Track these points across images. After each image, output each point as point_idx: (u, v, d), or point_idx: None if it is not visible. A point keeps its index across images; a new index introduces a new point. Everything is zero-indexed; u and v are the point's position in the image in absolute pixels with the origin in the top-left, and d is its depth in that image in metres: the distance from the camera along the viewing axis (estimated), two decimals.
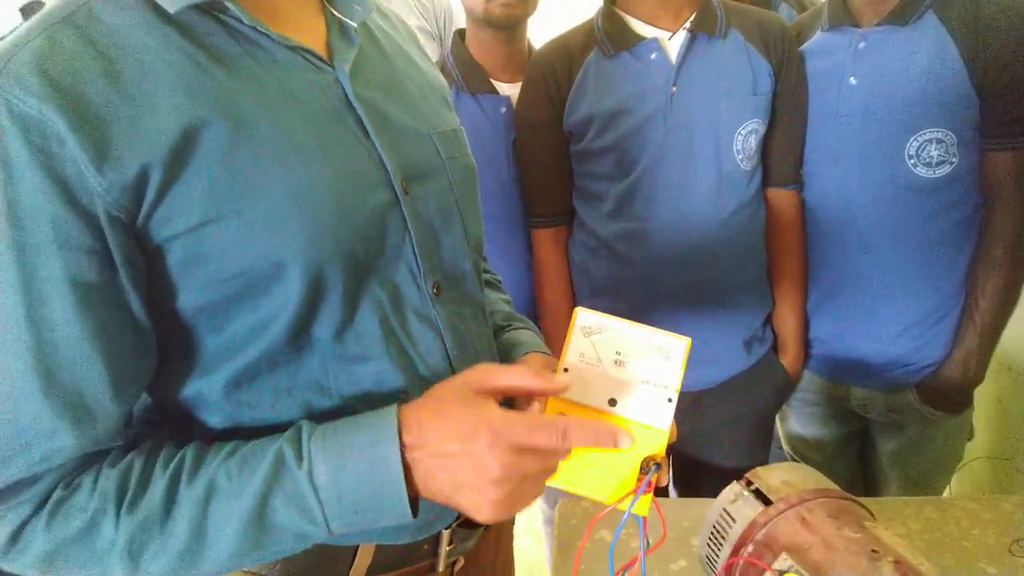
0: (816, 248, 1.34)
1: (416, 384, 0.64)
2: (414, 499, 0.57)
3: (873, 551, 0.77)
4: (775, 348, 1.38)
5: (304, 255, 0.57)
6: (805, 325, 1.39)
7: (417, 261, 0.66)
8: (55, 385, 0.52)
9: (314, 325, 0.60)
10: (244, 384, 0.60)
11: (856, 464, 1.49)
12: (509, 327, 0.83)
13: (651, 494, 0.64)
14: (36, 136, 0.49)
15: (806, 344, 1.40)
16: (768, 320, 1.38)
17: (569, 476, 0.63)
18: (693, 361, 1.33)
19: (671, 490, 1.52)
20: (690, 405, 1.32)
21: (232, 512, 0.54)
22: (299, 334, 0.60)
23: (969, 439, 1.39)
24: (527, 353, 0.76)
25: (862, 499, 1.00)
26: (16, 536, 0.53)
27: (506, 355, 0.79)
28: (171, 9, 0.55)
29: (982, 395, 1.47)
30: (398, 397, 0.62)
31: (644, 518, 0.66)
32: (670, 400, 0.64)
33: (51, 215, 0.50)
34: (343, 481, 0.54)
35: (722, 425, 1.34)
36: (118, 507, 0.53)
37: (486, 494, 0.54)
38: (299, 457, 0.55)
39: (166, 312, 0.57)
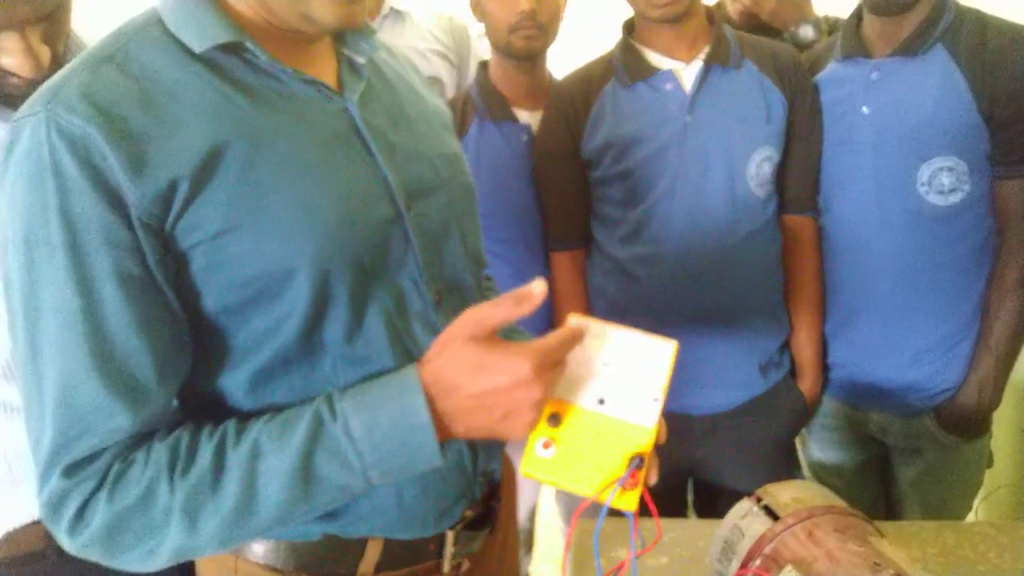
0: (832, 274, 1.36)
1: None
2: (441, 444, 0.61)
3: (876, 564, 0.78)
4: (793, 373, 1.40)
5: (312, 262, 0.63)
6: (823, 350, 1.40)
7: (420, 271, 0.71)
8: (110, 370, 0.58)
9: (324, 328, 0.66)
10: (262, 383, 0.66)
11: (878, 490, 1.48)
12: (508, 339, 0.87)
13: (638, 490, 0.66)
14: (82, 151, 0.56)
15: (824, 369, 1.41)
16: (785, 345, 1.39)
17: (557, 472, 0.65)
18: (708, 385, 1.36)
19: (691, 512, 1.53)
20: (707, 428, 1.34)
21: (278, 469, 0.59)
22: (310, 336, 0.65)
23: (989, 466, 1.38)
24: None
25: (880, 522, 1.02)
26: (82, 511, 0.59)
27: None
28: (197, 49, 0.62)
29: (1003, 423, 1.47)
30: None
31: (635, 515, 0.68)
32: (656, 400, 0.66)
33: (99, 218, 0.57)
34: (376, 431, 0.59)
35: (739, 449, 1.35)
36: (171, 474, 0.59)
37: (529, 415, 0.60)
38: (333, 414, 0.60)
39: (191, 314, 0.63)
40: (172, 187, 0.59)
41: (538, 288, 0.60)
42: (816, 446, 1.50)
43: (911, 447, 1.36)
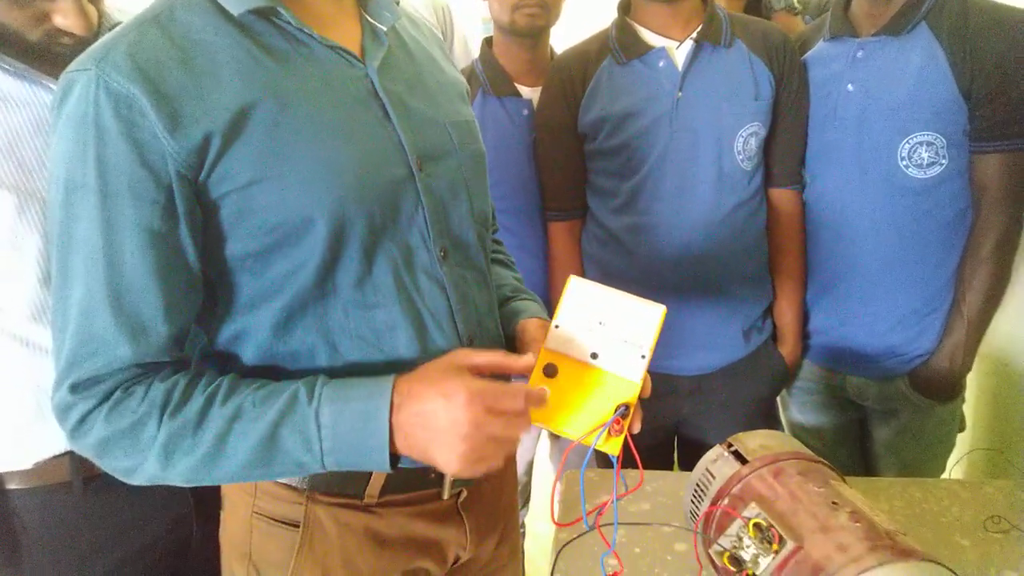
0: (815, 243, 1.42)
1: (421, 330, 0.76)
2: (395, 456, 0.68)
3: (834, 503, 0.86)
4: (774, 338, 1.47)
5: (329, 213, 0.69)
6: (804, 317, 1.47)
7: (428, 227, 0.78)
8: (121, 306, 0.65)
9: (337, 274, 0.72)
10: (283, 326, 0.73)
11: (855, 451, 1.56)
12: (515, 298, 0.94)
13: (621, 437, 0.74)
14: (124, 109, 0.63)
15: (805, 335, 1.48)
16: (768, 311, 1.46)
17: (550, 417, 0.74)
18: (694, 347, 1.43)
19: (677, 468, 1.61)
20: (692, 388, 1.42)
21: (250, 432, 0.67)
22: (324, 281, 0.72)
23: (961, 430, 1.45)
24: (527, 318, 0.88)
25: (852, 478, 1.09)
26: (82, 421, 0.67)
27: (509, 320, 0.90)
28: (234, 12, 0.69)
29: (977, 390, 1.54)
30: (405, 341, 0.75)
31: (618, 460, 0.77)
32: (643, 356, 0.75)
33: (129, 172, 0.64)
34: (340, 423, 0.67)
35: (723, 408, 1.42)
36: (161, 413, 0.67)
37: (455, 448, 0.65)
38: (310, 397, 0.67)
39: (218, 259, 0.71)
40: (206, 141, 0.65)
41: (525, 363, 0.72)
42: (796, 409, 1.57)
43: (887, 409, 1.43)
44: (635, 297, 0.78)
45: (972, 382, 1.47)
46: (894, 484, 1.23)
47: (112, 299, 0.65)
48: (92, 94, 0.63)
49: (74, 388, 0.66)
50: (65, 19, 0.89)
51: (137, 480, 0.69)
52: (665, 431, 1.49)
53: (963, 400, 1.42)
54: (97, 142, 0.63)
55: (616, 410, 0.73)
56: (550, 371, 0.75)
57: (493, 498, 0.92)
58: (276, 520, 0.78)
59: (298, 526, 0.77)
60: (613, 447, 0.75)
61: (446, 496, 0.83)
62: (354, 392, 0.68)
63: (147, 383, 0.68)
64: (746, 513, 0.88)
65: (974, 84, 1.21)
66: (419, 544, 0.82)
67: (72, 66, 0.66)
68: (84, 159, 0.64)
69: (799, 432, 1.58)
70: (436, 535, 0.83)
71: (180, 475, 0.68)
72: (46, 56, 0.92)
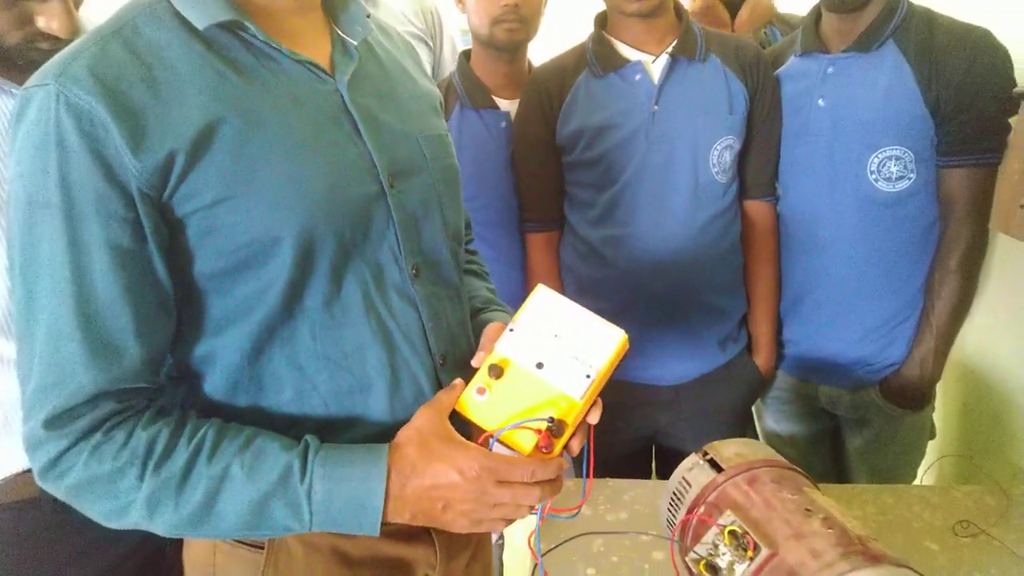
0: (787, 255, 1.45)
1: (391, 350, 0.75)
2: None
3: (807, 509, 0.88)
4: (750, 348, 1.49)
5: (297, 232, 0.68)
6: (778, 327, 1.49)
7: (399, 245, 0.76)
8: (91, 328, 0.63)
9: (305, 293, 0.71)
10: (247, 346, 0.71)
11: (829, 459, 1.58)
12: (486, 309, 0.94)
13: (532, 434, 0.71)
14: (86, 124, 0.61)
15: (779, 345, 1.51)
16: (743, 322, 1.49)
17: (481, 414, 0.73)
18: (671, 356, 1.44)
19: (655, 477, 1.63)
20: (670, 398, 1.44)
21: (241, 497, 0.66)
22: (292, 301, 0.70)
23: (931, 437, 1.48)
24: (493, 321, 0.87)
25: (825, 485, 1.10)
26: (55, 462, 0.64)
27: (478, 332, 0.89)
28: (200, 26, 0.67)
29: (947, 398, 1.57)
30: (374, 362, 0.74)
31: (589, 470, 0.76)
32: (588, 376, 0.72)
33: (94, 188, 0.62)
34: (333, 502, 0.67)
35: (699, 417, 1.44)
36: (144, 465, 0.64)
37: (466, 515, 0.69)
38: (303, 474, 0.67)
39: (184, 279, 0.69)
40: (170, 159, 0.63)
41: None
42: (771, 418, 1.59)
43: (859, 418, 1.46)
44: (598, 317, 0.76)
45: (941, 390, 1.50)
46: (866, 491, 1.26)
47: (81, 321, 0.62)
48: (52, 109, 0.61)
49: (48, 424, 0.63)
50: (50, 22, 0.87)
51: (117, 524, 0.67)
52: (642, 440, 1.51)
53: (933, 408, 1.45)
54: (59, 159, 0.61)
55: (547, 421, 0.70)
56: (495, 372, 0.73)
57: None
58: (240, 541, 0.76)
59: (263, 548, 0.76)
60: (520, 444, 0.71)
61: None
62: (348, 471, 0.67)
63: (128, 429, 0.66)
64: (721, 521, 0.89)
65: (940, 100, 1.24)
66: (387, 564, 0.81)
67: (30, 81, 0.64)
68: (46, 177, 0.61)
69: (774, 441, 1.60)
70: (405, 554, 0.82)
71: (163, 528, 0.67)
72: (18, 62, 0.91)
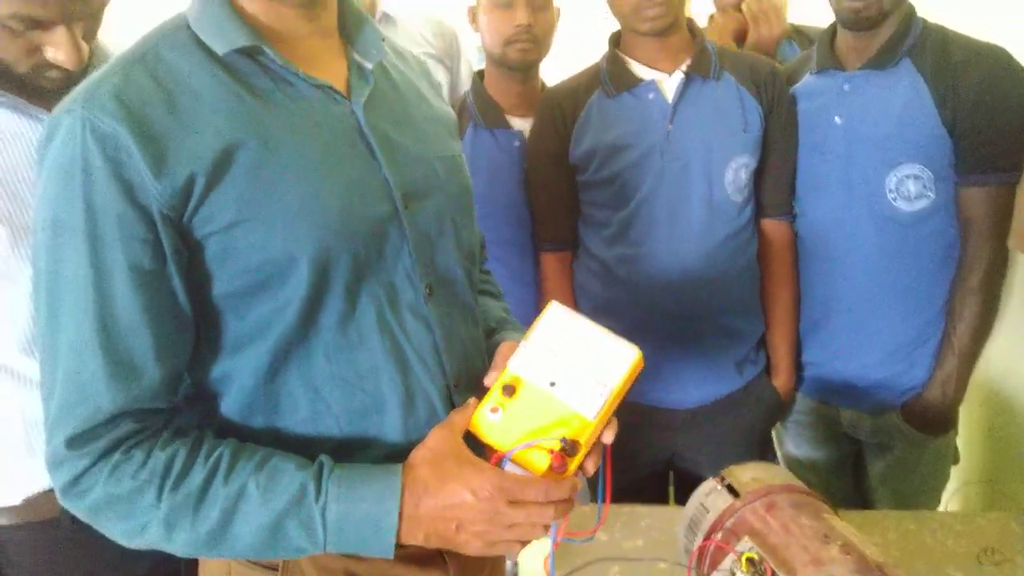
0: (806, 275, 1.43)
1: (405, 370, 0.75)
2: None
3: (825, 536, 0.85)
4: (768, 370, 1.47)
5: (313, 252, 0.68)
6: (797, 349, 1.47)
7: (413, 265, 0.76)
8: (112, 348, 0.64)
9: (320, 314, 0.71)
10: (263, 366, 0.72)
11: (851, 485, 1.55)
12: (500, 329, 0.94)
13: (545, 454, 0.70)
14: (110, 149, 0.63)
15: (798, 367, 1.48)
16: (761, 343, 1.46)
17: (494, 434, 0.72)
18: (688, 380, 1.43)
19: (673, 502, 1.60)
20: (687, 421, 1.42)
21: (256, 516, 0.66)
22: (307, 322, 0.71)
23: (955, 463, 1.44)
24: (507, 339, 0.86)
25: (846, 511, 1.08)
26: (76, 481, 0.65)
27: (492, 352, 0.89)
28: (219, 51, 0.69)
29: (971, 422, 1.53)
30: (388, 382, 0.74)
31: (606, 496, 0.75)
32: (601, 394, 0.71)
33: (117, 211, 0.63)
34: (347, 523, 0.67)
35: (717, 441, 1.41)
36: (162, 485, 0.65)
37: (481, 536, 0.68)
38: (318, 494, 0.67)
39: (202, 300, 0.69)
40: (190, 182, 0.65)
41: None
42: (792, 442, 1.56)
43: (881, 442, 1.43)
44: (612, 334, 0.74)
45: (965, 414, 1.47)
46: (888, 516, 1.23)
47: (103, 341, 0.64)
48: (79, 135, 0.63)
49: (70, 443, 0.64)
50: (57, 53, 0.89)
51: (136, 543, 0.67)
52: (659, 464, 1.48)
53: (956, 432, 1.42)
54: (84, 183, 0.63)
55: (560, 441, 0.69)
56: (508, 391, 0.72)
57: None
58: (254, 562, 0.76)
59: (276, 569, 0.75)
60: (533, 464, 0.70)
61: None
62: (362, 491, 0.68)
63: (147, 448, 0.66)
64: (739, 547, 0.87)
65: (957, 118, 1.23)
66: None
67: (58, 108, 0.66)
68: (71, 200, 0.63)
69: (795, 466, 1.57)
70: None
71: (181, 547, 0.67)
72: (32, 90, 0.92)
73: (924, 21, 1.29)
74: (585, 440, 0.71)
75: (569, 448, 0.69)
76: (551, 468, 0.69)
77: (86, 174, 0.63)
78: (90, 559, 0.97)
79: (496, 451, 0.71)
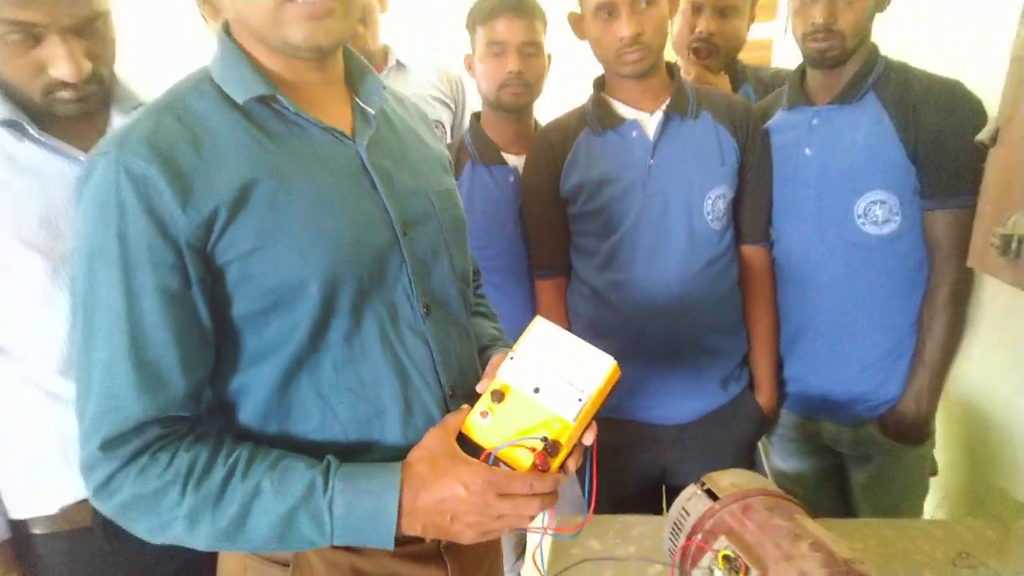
0: (783, 297, 1.52)
1: (405, 381, 0.84)
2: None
3: (796, 534, 0.92)
4: (752, 387, 1.54)
5: (322, 276, 0.77)
6: (779, 366, 1.55)
7: (411, 286, 0.85)
8: (141, 362, 0.72)
9: (329, 330, 0.80)
10: (277, 378, 0.80)
11: (836, 497, 1.61)
12: (492, 346, 1.02)
13: (528, 451, 0.78)
14: (142, 186, 0.71)
15: (781, 383, 1.56)
16: (744, 361, 1.54)
17: (484, 435, 0.80)
18: (675, 396, 1.51)
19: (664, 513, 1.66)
20: (675, 436, 1.49)
21: (270, 511, 0.74)
22: (317, 338, 0.79)
23: (933, 474, 1.51)
24: (497, 352, 0.95)
25: (828, 519, 1.14)
26: (108, 482, 0.73)
27: (485, 366, 0.97)
28: (239, 99, 0.78)
29: (954, 437, 1.60)
30: (389, 392, 0.82)
31: (591, 493, 0.82)
32: (580, 400, 0.79)
33: (148, 241, 0.71)
34: (352, 515, 0.75)
35: (704, 454, 1.48)
36: (185, 482, 0.73)
37: (473, 526, 0.76)
38: (325, 488, 0.75)
39: (223, 319, 0.78)
40: (213, 215, 0.73)
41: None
42: (778, 456, 1.63)
43: (861, 454, 1.49)
44: (590, 346, 0.83)
45: (945, 429, 1.53)
46: (869, 524, 1.28)
47: (134, 356, 0.72)
48: (113, 174, 0.71)
49: (103, 446, 0.72)
50: (56, 68, 0.96)
51: (159, 540, 0.75)
52: (652, 479, 1.55)
53: (933, 445, 1.49)
54: (119, 217, 0.71)
55: (541, 440, 0.77)
56: (497, 396, 0.80)
57: (475, 543, 0.98)
58: (268, 559, 0.84)
59: (288, 565, 0.83)
60: (517, 461, 0.79)
61: (428, 540, 0.88)
62: (365, 485, 0.76)
63: (172, 451, 0.74)
64: (716, 546, 0.94)
65: (919, 147, 1.32)
66: None
67: (94, 150, 0.75)
68: (106, 232, 0.71)
69: (781, 479, 1.63)
70: (418, 574, 0.88)
71: (202, 541, 0.74)
72: (53, 118, 1.00)
73: (887, 59, 1.39)
74: (566, 440, 0.79)
75: (551, 448, 0.77)
76: (535, 466, 0.77)
77: (120, 209, 0.71)
78: (120, 566, 1.05)
79: (485, 450, 0.79)
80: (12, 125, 0.99)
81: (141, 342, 0.72)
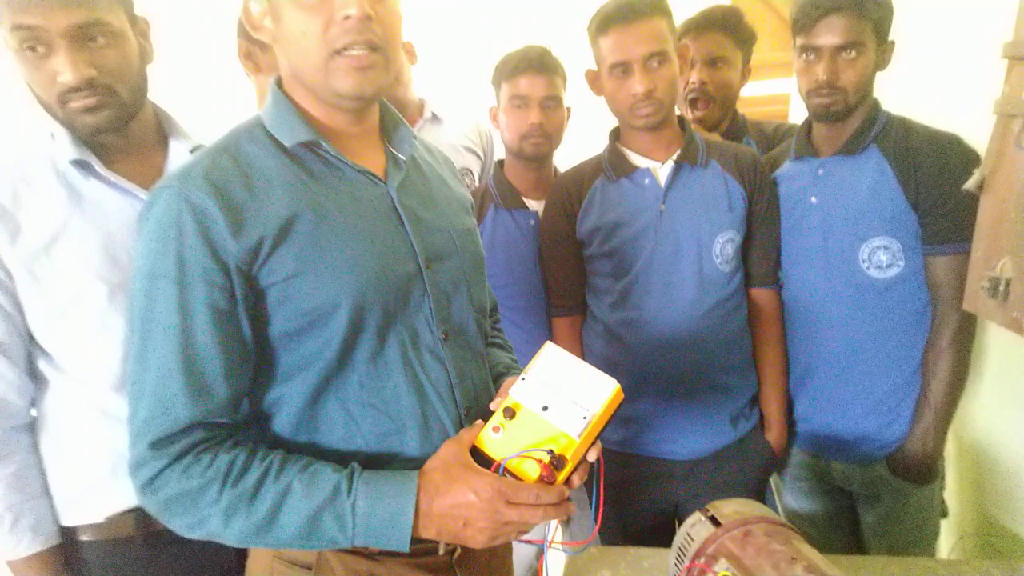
0: (792, 338, 1.57)
1: (424, 400, 0.91)
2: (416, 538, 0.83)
3: (792, 558, 0.97)
4: (762, 425, 1.59)
5: (352, 300, 0.86)
6: (789, 405, 1.59)
7: (432, 314, 0.94)
8: (191, 371, 0.81)
9: (356, 350, 0.88)
10: (308, 392, 0.88)
11: (849, 537, 1.63)
12: (506, 373, 1.10)
13: (535, 463, 0.84)
14: (201, 216, 0.81)
15: (791, 422, 1.60)
16: (754, 400, 1.59)
17: (496, 450, 0.86)
18: (685, 432, 1.57)
19: None
20: (686, 472, 1.53)
21: (299, 510, 0.81)
22: (345, 357, 0.88)
23: (943, 516, 1.52)
24: (510, 376, 1.03)
25: (835, 556, 1.17)
26: (154, 479, 0.81)
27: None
28: (287, 143, 0.89)
29: (964, 479, 1.61)
30: (409, 409, 0.90)
31: (599, 511, 0.88)
32: (584, 418, 0.86)
33: (202, 264, 0.81)
34: (372, 516, 0.82)
35: (715, 491, 1.51)
36: (224, 481, 0.81)
37: (483, 531, 0.82)
38: (349, 491, 0.82)
39: (262, 337, 0.86)
40: (259, 243, 0.83)
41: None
42: (791, 496, 1.66)
43: (871, 493, 1.52)
44: (596, 370, 0.90)
45: (956, 471, 1.56)
46: (875, 561, 1.30)
47: (184, 365, 0.80)
48: (176, 204, 0.81)
49: (153, 445, 0.80)
50: (63, 75, 1.03)
51: (196, 534, 0.82)
52: (664, 513, 1.59)
53: (942, 487, 1.51)
54: (178, 241, 0.80)
55: (548, 453, 0.84)
56: (508, 413, 0.87)
57: (486, 556, 1.03)
58: (292, 562, 0.91)
59: (311, 568, 0.90)
60: (525, 472, 0.85)
61: (441, 552, 0.95)
62: (385, 488, 0.83)
63: (213, 452, 0.82)
64: (717, 568, 0.99)
65: (920, 195, 1.38)
66: None
67: (159, 183, 0.85)
68: (166, 254, 0.80)
69: (795, 520, 1.66)
70: None
71: (235, 536, 0.82)
72: (77, 133, 1.07)
73: (888, 113, 1.47)
74: (571, 455, 0.85)
75: (556, 461, 0.84)
76: (541, 478, 0.84)
77: (180, 234, 0.81)
78: (158, 574, 1.12)
79: (495, 461, 0.85)
80: (81, 164, 1.10)
81: (192, 353, 0.81)
